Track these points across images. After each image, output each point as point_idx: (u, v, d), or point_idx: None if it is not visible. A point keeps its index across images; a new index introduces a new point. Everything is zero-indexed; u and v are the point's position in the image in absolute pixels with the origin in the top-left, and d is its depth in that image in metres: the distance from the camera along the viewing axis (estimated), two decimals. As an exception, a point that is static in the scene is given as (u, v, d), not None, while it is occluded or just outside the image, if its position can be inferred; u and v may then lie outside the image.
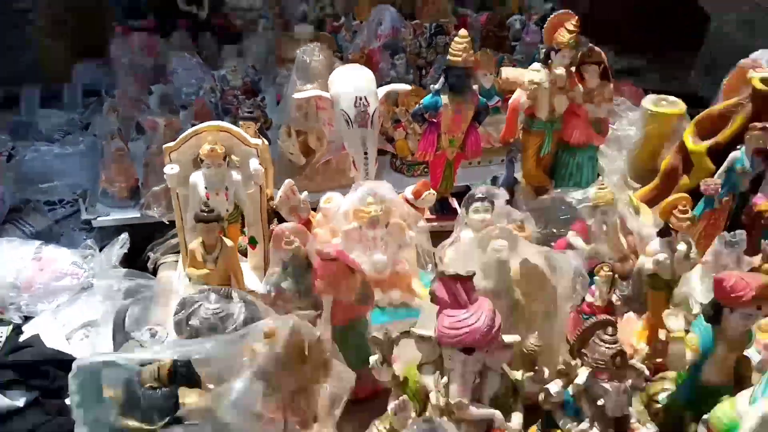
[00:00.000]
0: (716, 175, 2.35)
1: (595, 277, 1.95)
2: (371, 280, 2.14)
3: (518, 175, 2.63)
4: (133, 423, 0.92)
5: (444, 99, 2.39)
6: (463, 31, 2.30)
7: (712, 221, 2.38)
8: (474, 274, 1.56)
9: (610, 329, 1.65)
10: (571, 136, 2.49)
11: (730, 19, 4.83)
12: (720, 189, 2.32)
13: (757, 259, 2.44)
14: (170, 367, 0.97)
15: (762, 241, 2.41)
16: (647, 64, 5.39)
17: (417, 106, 2.47)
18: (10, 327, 2.02)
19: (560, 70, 2.30)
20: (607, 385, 1.63)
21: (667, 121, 2.72)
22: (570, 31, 2.24)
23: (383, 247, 2.17)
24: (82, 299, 2.26)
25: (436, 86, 2.41)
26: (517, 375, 1.67)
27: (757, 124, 2.24)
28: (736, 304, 1.66)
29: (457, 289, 1.53)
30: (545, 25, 2.34)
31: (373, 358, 1.62)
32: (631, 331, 2.14)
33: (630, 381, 1.68)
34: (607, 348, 1.63)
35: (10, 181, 2.81)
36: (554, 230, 2.34)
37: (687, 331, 1.77)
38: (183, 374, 0.99)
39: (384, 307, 2.20)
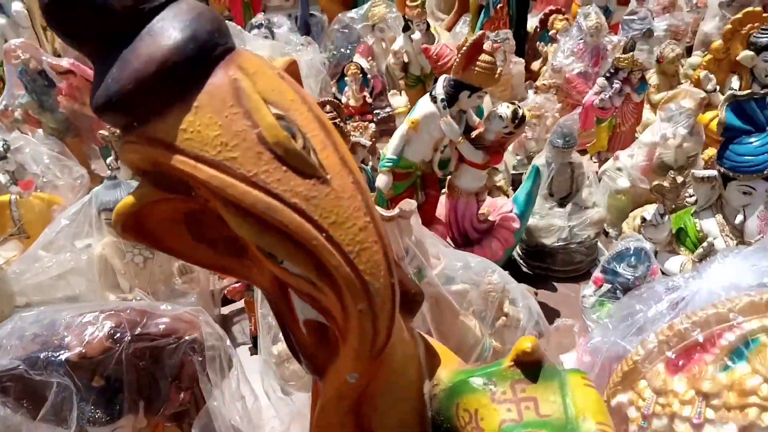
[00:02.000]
0: (488, -17, 2.45)
1: (345, 78, 2.06)
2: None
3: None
4: None
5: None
6: None
7: (494, 29, 2.49)
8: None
9: (327, 107, 1.78)
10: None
11: None
12: (491, -5, 2.43)
13: (537, 63, 2.60)
14: None
15: (538, 43, 2.56)
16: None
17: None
18: None
19: None
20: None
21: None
22: None
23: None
24: None
25: None
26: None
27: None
28: (444, 70, 1.80)
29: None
30: None
31: None
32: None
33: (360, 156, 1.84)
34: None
35: None
36: (342, 50, 2.44)
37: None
38: None
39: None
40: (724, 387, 0.89)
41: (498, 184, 2.06)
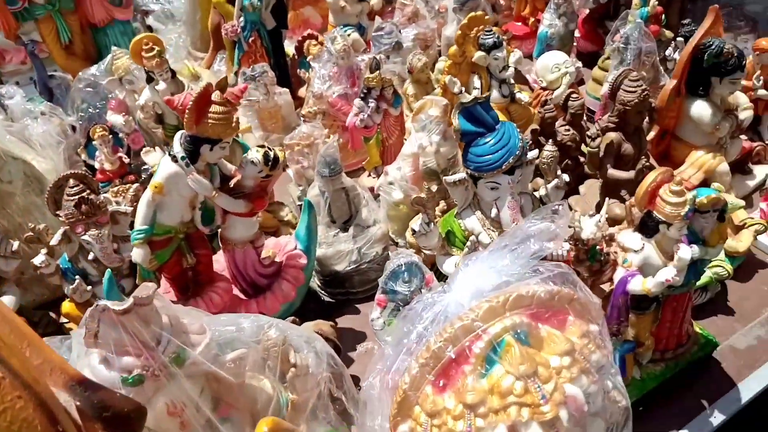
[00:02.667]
0: (234, 18, 2.41)
1: (94, 141, 1.90)
2: None
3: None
4: None
5: None
6: None
7: (251, 64, 2.46)
8: None
9: (71, 181, 1.61)
10: (87, 16, 2.37)
11: None
12: (240, 30, 2.39)
13: (303, 90, 2.62)
14: None
15: (299, 70, 2.58)
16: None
17: None
18: None
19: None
20: (87, 237, 1.61)
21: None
22: None
23: None
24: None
25: None
26: None
27: (246, -42, 2.31)
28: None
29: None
30: None
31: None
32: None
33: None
34: (71, 200, 1.59)
35: None
36: (91, 110, 2.24)
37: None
38: None
39: None
40: (487, 393, 0.93)
41: (285, 219, 2.03)
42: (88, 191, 1.61)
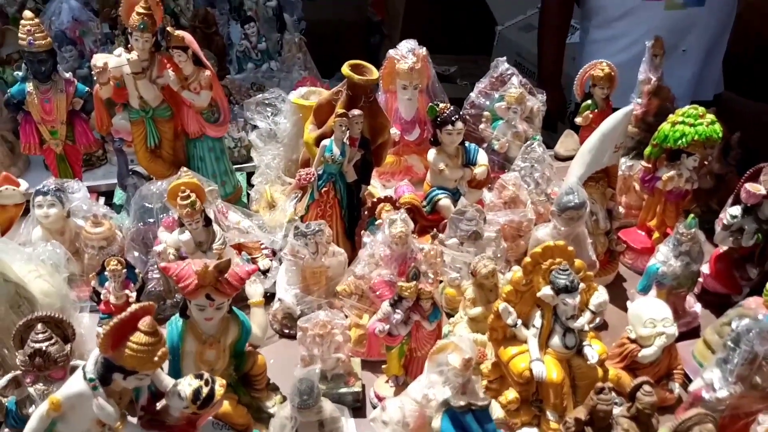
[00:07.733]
0: (314, 165, 2.27)
1: (106, 272, 1.81)
2: None
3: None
4: None
5: (29, 87, 2.24)
6: (27, 13, 2.15)
7: (319, 212, 2.30)
8: None
9: (39, 326, 1.50)
10: (182, 125, 2.38)
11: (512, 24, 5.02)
12: (314, 178, 2.24)
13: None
14: None
15: (364, 231, 2.36)
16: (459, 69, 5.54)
17: (6, 94, 2.31)
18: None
19: (133, 54, 2.16)
20: (32, 390, 1.48)
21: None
22: (139, 13, 2.11)
23: None
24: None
25: (21, 73, 2.26)
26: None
27: (339, 110, 2.18)
28: (187, 293, 1.55)
29: None
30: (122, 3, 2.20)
31: None
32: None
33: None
34: (30, 348, 1.48)
35: None
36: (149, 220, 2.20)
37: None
38: None
39: None
40: None
41: (271, 412, 1.77)
42: (52, 341, 1.49)
